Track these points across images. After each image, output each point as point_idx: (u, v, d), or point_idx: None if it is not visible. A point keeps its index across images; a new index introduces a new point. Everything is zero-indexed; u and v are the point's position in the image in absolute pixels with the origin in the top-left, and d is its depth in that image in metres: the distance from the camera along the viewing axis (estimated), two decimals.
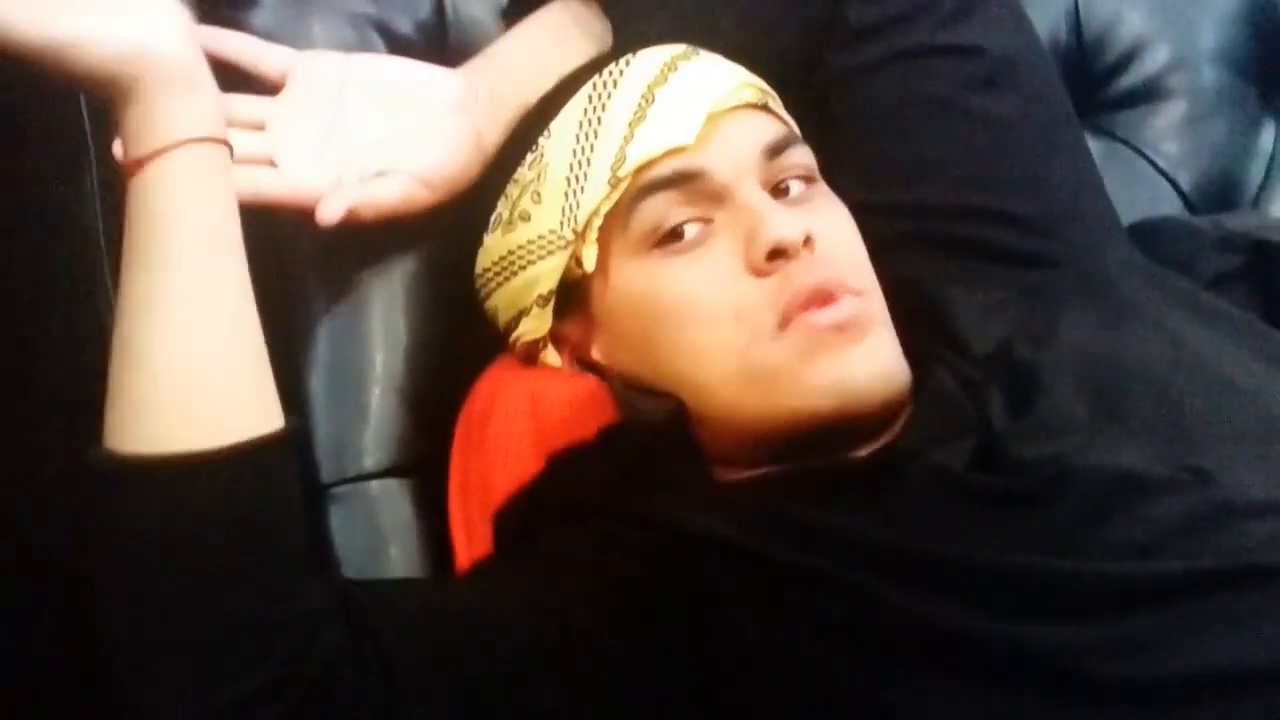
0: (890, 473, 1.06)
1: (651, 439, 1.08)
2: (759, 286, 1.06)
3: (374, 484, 1.22)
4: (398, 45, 1.30)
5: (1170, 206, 1.49)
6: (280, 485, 0.95)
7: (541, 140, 1.11)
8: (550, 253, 1.09)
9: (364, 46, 1.30)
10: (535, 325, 1.12)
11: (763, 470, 1.09)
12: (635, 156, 1.08)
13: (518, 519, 1.10)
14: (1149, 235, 1.26)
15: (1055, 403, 1.07)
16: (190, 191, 0.94)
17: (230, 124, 1.05)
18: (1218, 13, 1.53)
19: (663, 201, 1.08)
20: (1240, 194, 1.53)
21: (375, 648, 0.97)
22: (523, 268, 1.10)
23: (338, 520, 1.20)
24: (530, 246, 1.10)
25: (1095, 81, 1.51)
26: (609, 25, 1.19)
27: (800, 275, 1.05)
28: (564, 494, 1.09)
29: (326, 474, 1.21)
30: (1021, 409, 1.07)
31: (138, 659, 0.93)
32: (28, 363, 1.28)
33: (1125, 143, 1.51)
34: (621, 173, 1.08)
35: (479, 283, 1.15)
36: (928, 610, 0.99)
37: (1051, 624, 0.98)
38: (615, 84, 1.11)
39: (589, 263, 1.08)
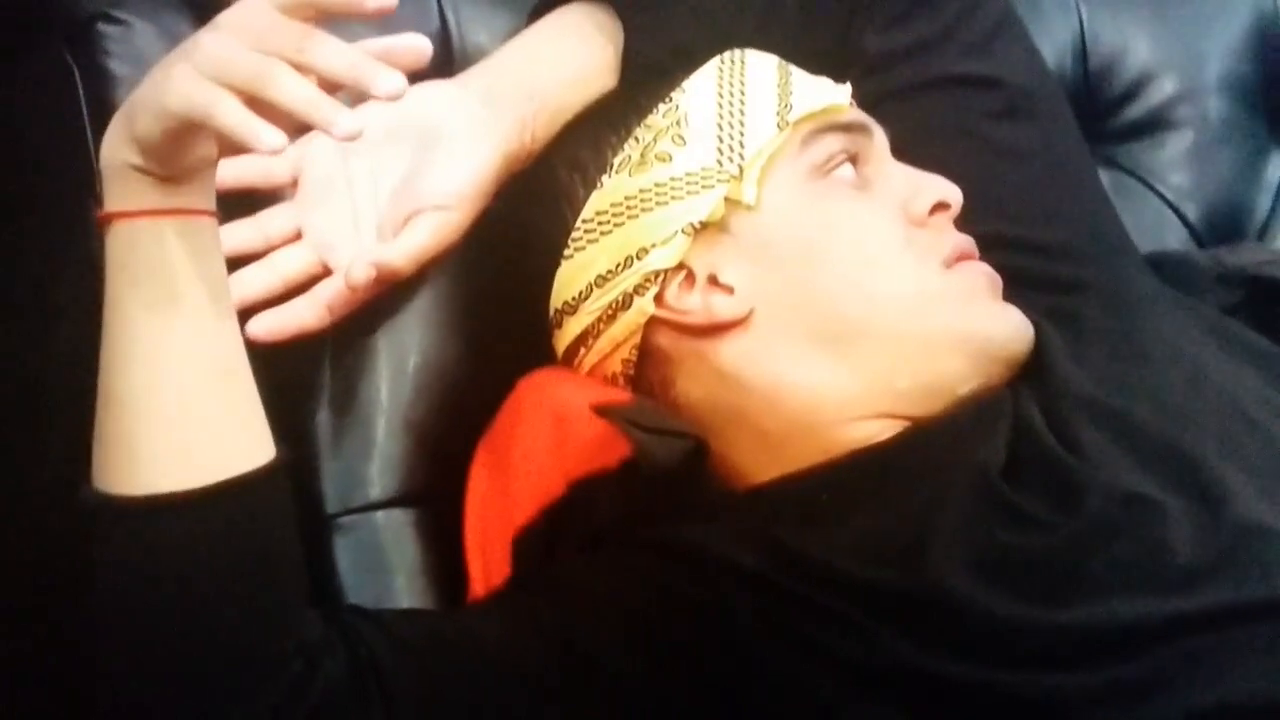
0: (927, 463, 1.07)
1: (665, 479, 1.08)
2: (917, 231, 1.12)
3: (379, 514, 1.21)
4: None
5: (1177, 238, 1.49)
6: (268, 519, 0.96)
7: (675, 95, 1.13)
8: (707, 187, 1.11)
9: None
10: (667, 257, 1.11)
11: (793, 468, 1.09)
12: (801, 107, 1.13)
13: (538, 544, 1.10)
14: (1151, 269, 1.26)
15: (1075, 422, 1.07)
16: (177, 247, 0.96)
17: (271, 242, 1.12)
18: (1224, 44, 1.53)
19: (836, 140, 1.13)
20: (1247, 225, 1.53)
21: (376, 678, 0.97)
22: (662, 203, 1.11)
23: (343, 550, 1.19)
24: (675, 183, 1.11)
25: (1101, 112, 1.51)
26: (620, 25, 1.20)
27: (952, 231, 1.13)
28: (584, 520, 1.09)
29: (332, 504, 1.20)
30: (1051, 425, 1.08)
31: (134, 695, 0.93)
32: (33, 375, 1.28)
33: (1131, 174, 1.51)
34: (791, 118, 1.12)
35: (582, 230, 1.13)
36: (933, 658, 1.00)
37: (1055, 672, 0.98)
38: (743, 60, 1.15)
39: (749, 196, 1.10)
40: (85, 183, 1.25)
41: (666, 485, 1.08)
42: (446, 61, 1.30)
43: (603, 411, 1.09)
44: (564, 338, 1.16)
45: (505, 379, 1.18)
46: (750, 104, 1.13)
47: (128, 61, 1.27)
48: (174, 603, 0.93)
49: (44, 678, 1.29)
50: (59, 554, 1.31)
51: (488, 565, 1.12)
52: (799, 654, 1.03)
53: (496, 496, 1.13)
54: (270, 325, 1.12)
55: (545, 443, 1.12)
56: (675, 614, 1.05)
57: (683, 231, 1.10)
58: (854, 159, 1.13)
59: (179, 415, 0.96)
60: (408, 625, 1.07)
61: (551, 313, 1.16)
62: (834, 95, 1.14)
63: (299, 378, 1.21)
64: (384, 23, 1.31)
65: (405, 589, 1.19)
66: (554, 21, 1.22)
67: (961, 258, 1.12)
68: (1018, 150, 1.23)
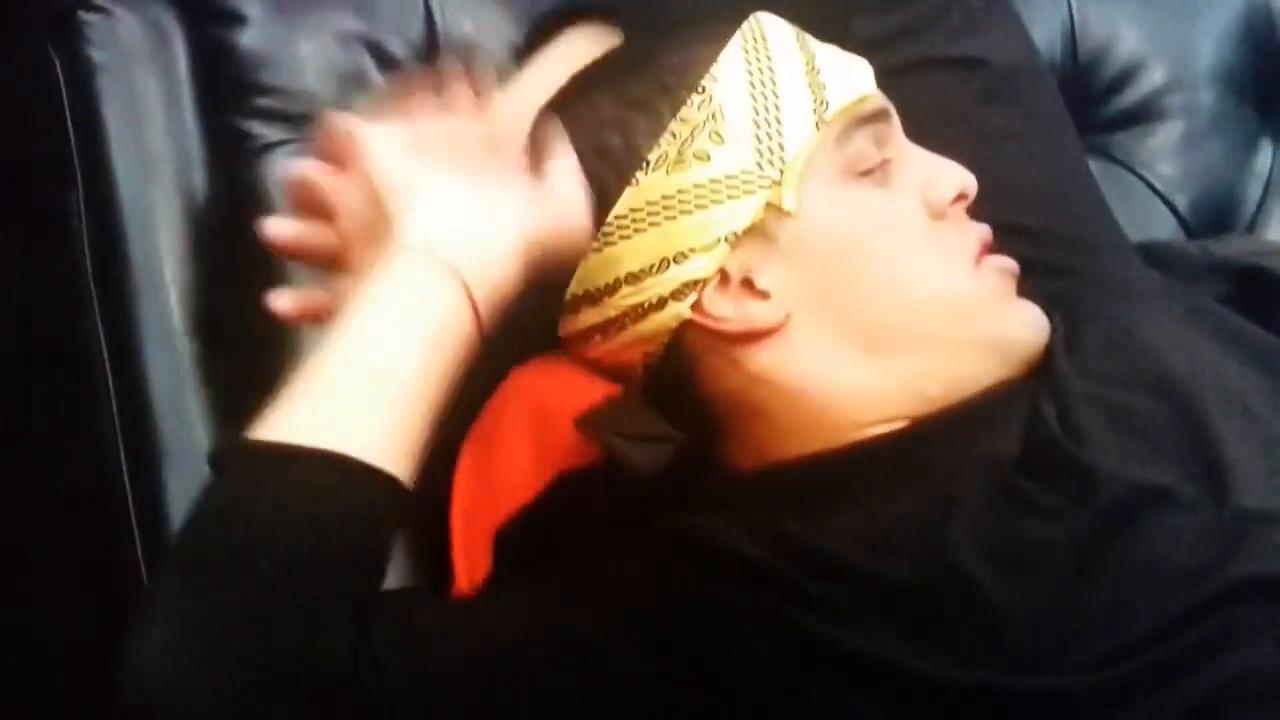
0: (941, 455, 1.06)
1: (649, 481, 1.07)
2: (941, 225, 1.10)
3: None
4: (388, 64, 1.30)
5: (1166, 228, 1.49)
6: (373, 519, 0.96)
7: (706, 83, 1.10)
8: (749, 192, 1.08)
9: (353, 66, 1.30)
10: (709, 265, 1.08)
11: (804, 452, 1.08)
12: (836, 101, 1.10)
13: (519, 541, 1.09)
14: (1142, 259, 1.25)
15: (1080, 414, 1.06)
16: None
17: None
18: (1214, 33, 1.53)
19: (868, 135, 1.11)
20: (1237, 215, 1.52)
21: (371, 658, 0.96)
22: (702, 206, 1.08)
23: None
24: (715, 185, 1.08)
25: (1091, 101, 1.50)
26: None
27: (970, 223, 1.11)
28: (569, 516, 1.08)
29: None
30: (1059, 417, 1.07)
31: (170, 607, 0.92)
32: (12, 366, 1.28)
33: (1121, 163, 1.50)
34: (828, 116, 1.09)
35: (614, 225, 1.09)
36: (935, 657, 0.99)
37: (1064, 669, 0.97)
38: (764, 35, 1.12)
39: (789, 203, 1.08)
40: (67, 173, 1.24)
41: (652, 483, 1.07)
42: (431, 50, 1.30)
43: (581, 425, 1.07)
44: (577, 323, 1.13)
45: (493, 373, 1.18)
46: (785, 96, 1.10)
47: (109, 51, 1.26)
48: (257, 545, 0.93)
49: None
50: (41, 540, 1.30)
51: (473, 561, 1.11)
52: (799, 646, 1.01)
53: (481, 493, 1.12)
54: (291, 303, 1.10)
55: (527, 439, 1.11)
56: (676, 603, 1.04)
57: (725, 240, 1.08)
58: (886, 155, 1.11)
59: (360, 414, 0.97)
60: (413, 609, 1.05)
61: (568, 296, 1.14)
62: (863, 83, 1.12)
63: (285, 369, 1.20)
64: (369, 11, 1.32)
65: (390, 584, 1.18)
66: (574, 46, 1.19)
67: (984, 251, 1.11)
68: (1002, 133, 1.21)
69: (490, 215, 1.03)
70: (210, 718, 0.89)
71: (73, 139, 1.24)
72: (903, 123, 1.15)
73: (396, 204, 1.01)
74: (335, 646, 0.92)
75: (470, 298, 0.99)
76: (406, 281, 0.99)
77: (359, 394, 0.97)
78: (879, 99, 1.12)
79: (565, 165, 1.07)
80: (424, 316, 0.99)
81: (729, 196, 1.08)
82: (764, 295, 1.08)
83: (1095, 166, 1.41)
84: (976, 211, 1.12)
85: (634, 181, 1.08)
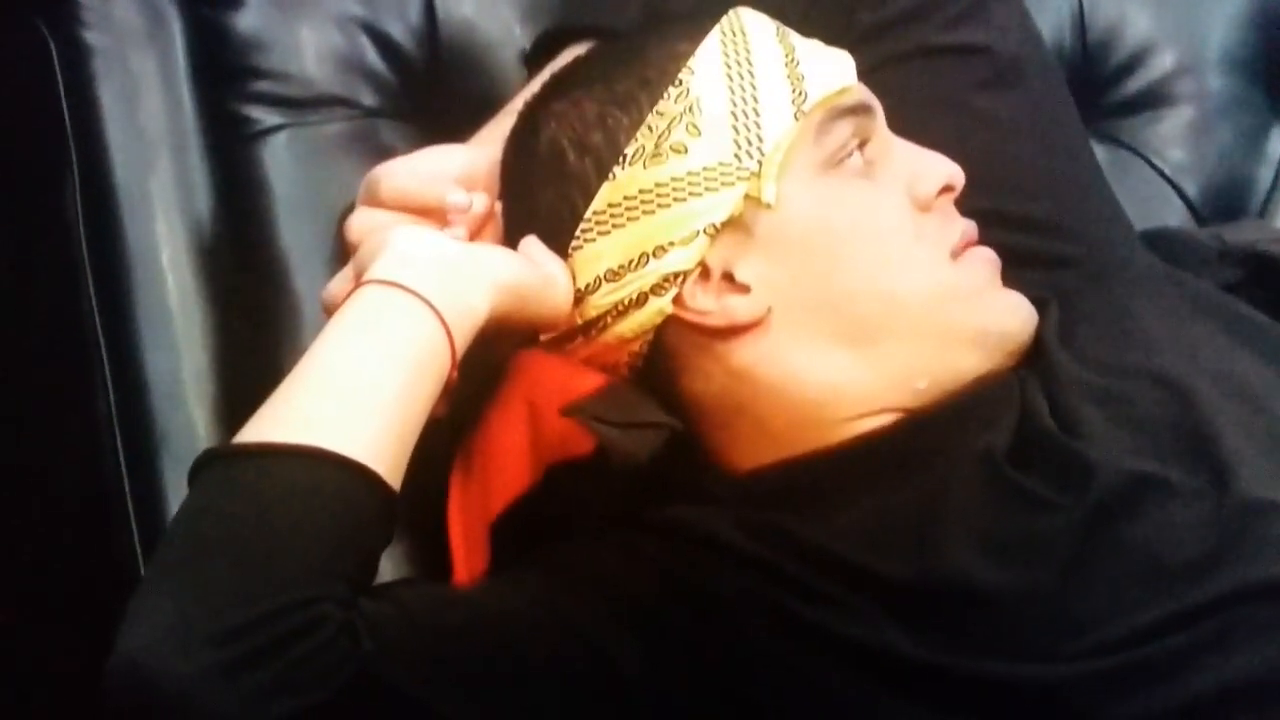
0: (933, 449, 1.06)
1: (640, 470, 1.06)
2: (925, 218, 1.10)
3: None
4: (387, 48, 1.29)
5: (1176, 214, 1.48)
6: (358, 505, 0.97)
7: (683, 76, 1.10)
8: (727, 184, 1.08)
9: (352, 50, 1.29)
10: (688, 258, 1.08)
11: (794, 453, 1.08)
12: (815, 93, 1.09)
13: (516, 533, 1.08)
14: (1150, 246, 1.25)
15: (1076, 405, 1.06)
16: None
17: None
18: (1225, 17, 1.51)
19: (848, 126, 1.10)
20: (1247, 201, 1.51)
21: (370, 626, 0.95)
22: (680, 199, 1.08)
23: None
24: (693, 178, 1.08)
25: (1100, 87, 1.49)
26: None
27: (956, 216, 1.12)
28: (563, 507, 1.08)
29: None
30: (1053, 408, 1.07)
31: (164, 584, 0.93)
32: (9, 347, 1.28)
33: (1130, 149, 1.49)
34: (806, 107, 1.09)
35: (592, 221, 1.10)
36: (934, 649, 0.99)
37: (1059, 659, 0.97)
38: (743, 29, 1.12)
39: (769, 195, 1.07)
40: (62, 157, 1.24)
41: (644, 473, 1.06)
42: (430, 35, 1.29)
43: (569, 412, 1.06)
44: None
45: (488, 366, 1.16)
46: (763, 88, 1.09)
47: (105, 33, 1.26)
48: (256, 531, 0.94)
49: None
50: (37, 530, 1.30)
51: (471, 555, 1.10)
52: (800, 636, 1.02)
53: (478, 486, 1.11)
54: None
55: (522, 431, 1.09)
56: (676, 598, 1.04)
57: (704, 232, 1.08)
58: (861, 144, 1.11)
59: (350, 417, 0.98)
60: (414, 598, 1.05)
61: None
62: (843, 75, 1.11)
63: (282, 359, 1.20)
64: None
65: (389, 575, 1.17)
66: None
67: (966, 245, 1.11)
68: (1004, 120, 1.21)
69: (469, 253, 1.06)
70: (204, 693, 0.89)
71: (68, 122, 1.24)
72: (904, 111, 1.14)
73: (370, 251, 1.05)
74: (327, 619, 0.92)
75: (439, 317, 1.01)
76: (373, 306, 1.01)
77: (336, 403, 0.98)
78: (860, 91, 1.12)
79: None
80: (392, 334, 1.01)
81: (707, 189, 1.07)
82: (745, 289, 1.08)
83: (1104, 152, 1.41)
84: (963, 203, 1.12)
85: (611, 176, 1.08)
